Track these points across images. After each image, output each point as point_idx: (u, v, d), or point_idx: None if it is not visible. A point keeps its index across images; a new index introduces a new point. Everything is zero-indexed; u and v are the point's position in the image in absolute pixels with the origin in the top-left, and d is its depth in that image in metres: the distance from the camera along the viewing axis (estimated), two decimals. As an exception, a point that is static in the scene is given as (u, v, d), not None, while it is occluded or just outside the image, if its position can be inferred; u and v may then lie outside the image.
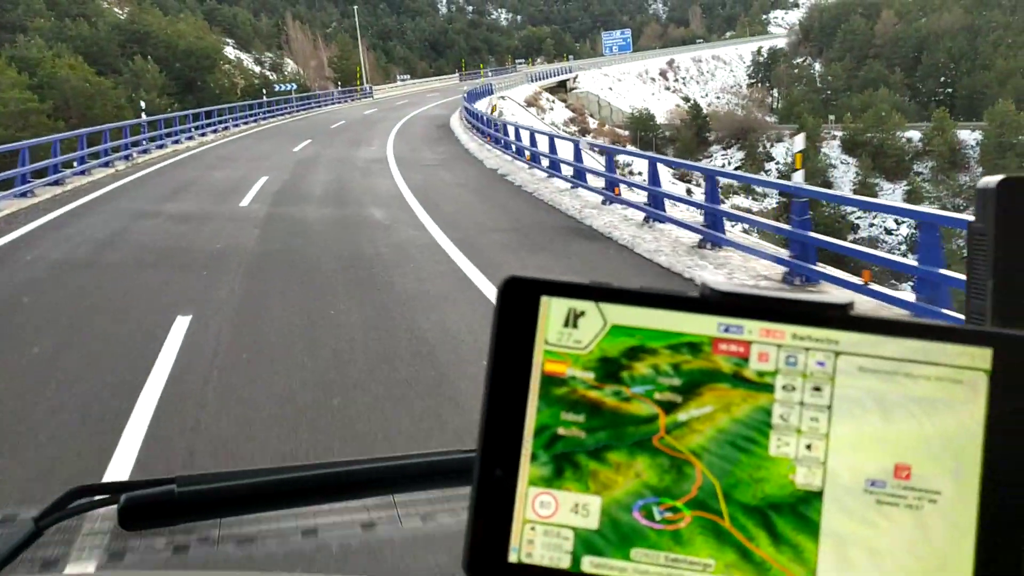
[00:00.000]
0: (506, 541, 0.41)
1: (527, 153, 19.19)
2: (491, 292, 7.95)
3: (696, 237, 10.68)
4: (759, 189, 59.12)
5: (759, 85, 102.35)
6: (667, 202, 12.17)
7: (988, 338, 0.39)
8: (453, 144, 26.77)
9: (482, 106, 33.29)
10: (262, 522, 1.98)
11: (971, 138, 62.10)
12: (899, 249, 50.95)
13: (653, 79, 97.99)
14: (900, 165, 62.73)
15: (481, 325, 7.15)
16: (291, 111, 47.51)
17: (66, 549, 1.84)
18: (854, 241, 42.62)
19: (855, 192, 53.37)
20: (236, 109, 37.98)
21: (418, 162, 21.68)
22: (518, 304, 0.42)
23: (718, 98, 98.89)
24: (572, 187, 15.41)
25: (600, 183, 14.77)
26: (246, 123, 37.91)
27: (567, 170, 16.32)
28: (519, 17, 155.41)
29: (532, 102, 59.19)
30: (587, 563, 0.40)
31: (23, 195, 15.88)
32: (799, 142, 9.33)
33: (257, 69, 71.39)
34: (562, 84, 73.23)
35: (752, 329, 0.41)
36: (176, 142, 27.85)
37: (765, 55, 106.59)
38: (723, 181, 58.93)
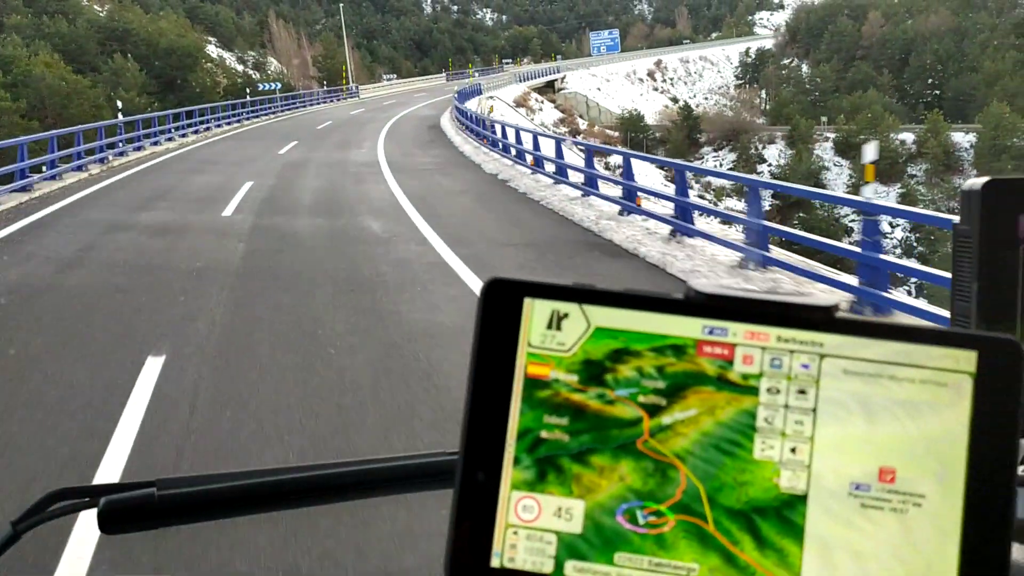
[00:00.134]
0: (488, 545, 0.41)
1: (529, 157, 17.99)
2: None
3: (734, 255, 9.56)
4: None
5: (747, 86, 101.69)
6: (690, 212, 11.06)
7: (973, 341, 0.39)
8: (446, 146, 25.58)
9: (471, 107, 32.13)
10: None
11: (965, 140, 61.36)
12: (894, 252, 50.16)
13: (641, 80, 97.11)
14: (894, 168, 61.87)
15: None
16: (275, 111, 46.21)
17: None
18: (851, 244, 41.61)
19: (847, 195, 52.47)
20: (218, 109, 36.57)
21: (412, 166, 20.48)
22: (501, 306, 0.42)
23: (706, 99, 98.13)
24: (583, 195, 14.27)
25: (611, 190, 13.66)
26: (229, 123, 36.53)
27: (575, 176, 15.19)
28: (504, 17, 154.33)
29: (521, 103, 58.14)
30: (570, 568, 0.40)
31: (-15, 203, 14.59)
32: (870, 152, 8.14)
33: (240, 68, 70.08)
34: (550, 84, 72.20)
35: (737, 331, 0.41)
36: (155, 143, 26.48)
37: (753, 56, 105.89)
38: (715, 183, 57.85)
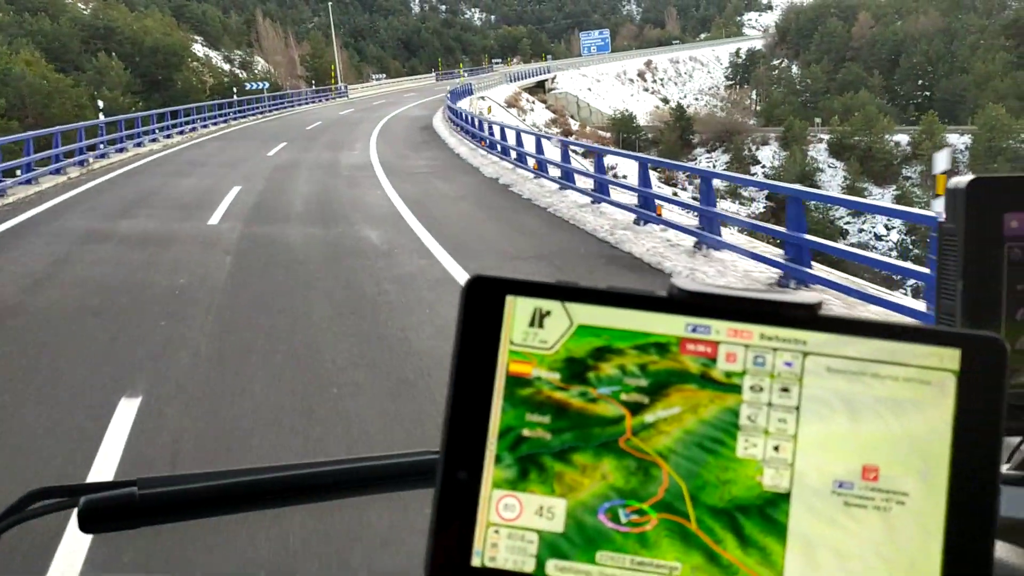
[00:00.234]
0: (469, 545, 0.40)
1: (532, 161, 17.12)
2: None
3: (770, 270, 8.75)
4: (746, 193, 57.54)
5: (737, 87, 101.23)
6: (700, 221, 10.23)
7: (957, 339, 0.39)
8: (441, 148, 24.70)
9: (463, 107, 31.31)
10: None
11: (960, 142, 60.82)
12: (890, 255, 49.58)
13: (631, 80, 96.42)
14: (889, 169, 61.34)
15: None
16: (263, 111, 45.24)
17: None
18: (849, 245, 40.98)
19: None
20: (204, 109, 35.56)
21: (407, 169, 19.59)
22: (483, 304, 0.41)
23: (696, 99, 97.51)
24: (593, 202, 13.42)
25: (622, 196, 12.84)
26: (215, 124, 35.52)
27: (582, 181, 14.36)
28: (492, 17, 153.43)
29: (512, 103, 57.32)
30: (551, 567, 0.40)
31: (-47, 209, 13.64)
32: (941, 161, 7.30)
33: (226, 67, 69.03)
34: (540, 85, 71.39)
35: (720, 329, 0.41)
36: (138, 145, 25.46)
37: (743, 57, 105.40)
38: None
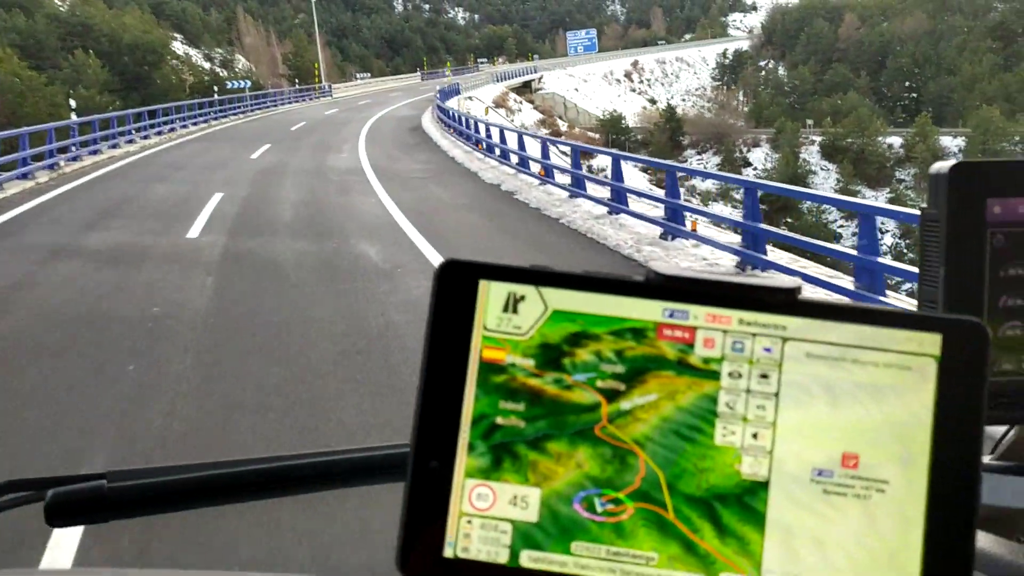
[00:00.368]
0: (441, 535, 0.40)
1: (538, 167, 15.96)
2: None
3: (828, 295, 7.66)
4: (738, 196, 56.64)
5: (725, 88, 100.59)
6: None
7: (938, 324, 0.39)
8: (433, 151, 23.53)
9: (451, 106, 30.20)
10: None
11: (954, 144, 60.21)
12: (885, 257, 48.79)
13: (618, 80, 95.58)
14: (881, 172, 60.64)
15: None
16: (244, 111, 43.88)
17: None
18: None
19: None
20: (184, 108, 34.22)
21: (401, 173, 18.41)
22: (455, 288, 0.40)
23: (683, 100, 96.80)
24: (609, 212, 12.29)
25: (638, 205, 11.73)
26: (195, 124, 34.19)
27: (594, 189, 13.23)
28: (476, 16, 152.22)
29: (500, 103, 56.21)
30: (525, 557, 0.39)
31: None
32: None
33: (207, 65, 67.67)
34: (527, 84, 70.34)
35: (697, 314, 0.40)
36: (114, 146, 24.14)
37: (730, 58, 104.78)
38: (701, 187, 56.44)
